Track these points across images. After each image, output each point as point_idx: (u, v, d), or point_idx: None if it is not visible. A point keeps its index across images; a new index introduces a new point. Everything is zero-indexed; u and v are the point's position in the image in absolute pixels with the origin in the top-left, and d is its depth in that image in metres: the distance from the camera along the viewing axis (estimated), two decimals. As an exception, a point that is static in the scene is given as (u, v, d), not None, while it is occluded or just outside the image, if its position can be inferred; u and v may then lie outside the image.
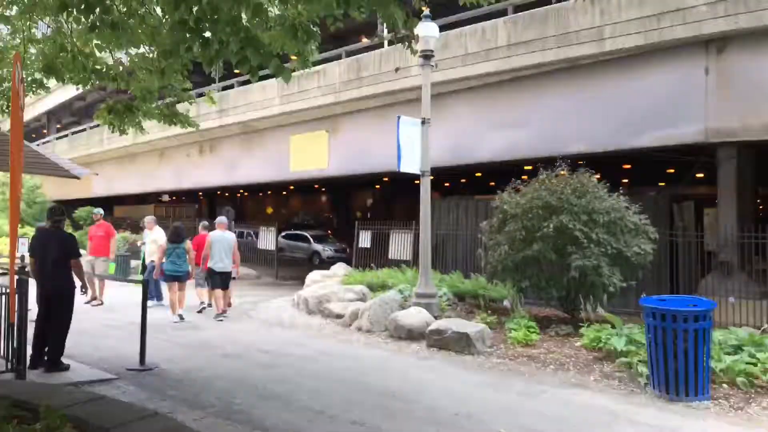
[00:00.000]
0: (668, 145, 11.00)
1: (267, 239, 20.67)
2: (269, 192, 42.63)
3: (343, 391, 6.30)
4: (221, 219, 11.53)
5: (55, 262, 6.74)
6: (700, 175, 16.73)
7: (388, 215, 18.25)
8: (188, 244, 11.16)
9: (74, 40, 6.35)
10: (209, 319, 10.74)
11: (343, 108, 16.09)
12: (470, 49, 12.93)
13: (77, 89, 10.81)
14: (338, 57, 16.12)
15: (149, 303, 7.98)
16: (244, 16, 4.43)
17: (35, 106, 35.87)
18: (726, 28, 9.79)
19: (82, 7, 4.35)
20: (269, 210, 41.52)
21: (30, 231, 15.97)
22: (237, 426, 5.11)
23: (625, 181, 17.58)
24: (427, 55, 9.99)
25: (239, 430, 5.03)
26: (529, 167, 10.28)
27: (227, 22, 4.19)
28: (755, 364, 6.43)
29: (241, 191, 40.77)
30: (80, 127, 27.80)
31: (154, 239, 12.25)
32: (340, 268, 14.57)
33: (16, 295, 5.64)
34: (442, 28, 11.96)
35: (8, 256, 6.72)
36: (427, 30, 9.81)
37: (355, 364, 7.62)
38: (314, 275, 14.08)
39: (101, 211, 13.01)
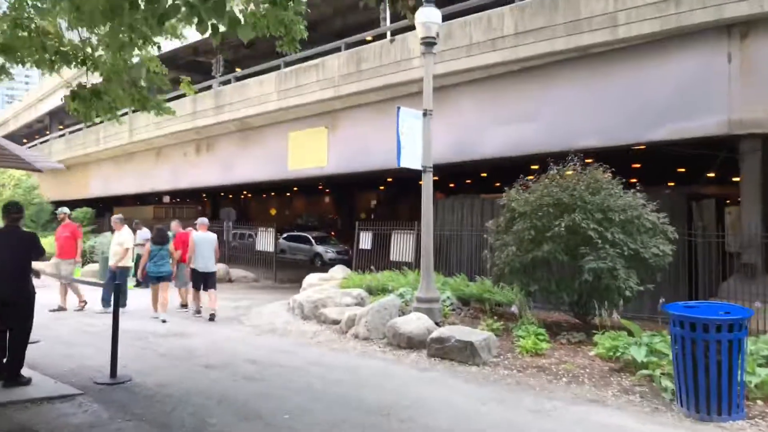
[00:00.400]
0: (687, 138, 10.30)
1: (265, 240, 20.10)
2: (272, 193, 42.20)
3: (332, 409, 5.65)
4: (202, 220, 11.54)
5: (12, 263, 6.07)
6: (711, 175, 16.05)
7: (393, 216, 17.61)
8: (172, 246, 11.20)
9: (33, 17, 5.72)
10: (195, 324, 10.21)
11: (343, 103, 15.48)
12: (475, 39, 12.27)
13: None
14: (337, 49, 15.50)
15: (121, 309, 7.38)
16: None
17: (37, 108, 35.53)
18: (750, 12, 9.14)
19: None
20: (273, 211, 41.05)
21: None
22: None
23: (634, 180, 16.87)
24: (428, 43, 9.35)
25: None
26: (536, 166, 9.63)
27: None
28: (793, 378, 5.74)
29: (245, 192, 40.32)
30: (76, 127, 27.26)
31: (120, 242, 11.26)
32: (338, 271, 13.94)
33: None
34: (446, 18, 11.35)
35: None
36: (428, 16, 9.18)
37: (348, 377, 6.95)
38: (311, 278, 13.46)
39: (66, 210, 12.02)
